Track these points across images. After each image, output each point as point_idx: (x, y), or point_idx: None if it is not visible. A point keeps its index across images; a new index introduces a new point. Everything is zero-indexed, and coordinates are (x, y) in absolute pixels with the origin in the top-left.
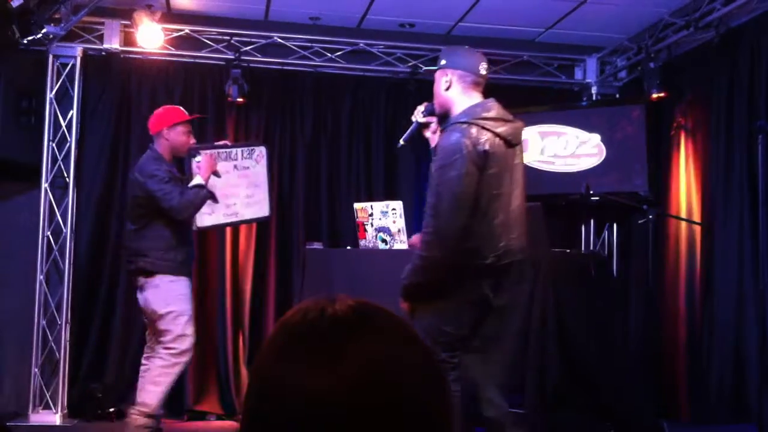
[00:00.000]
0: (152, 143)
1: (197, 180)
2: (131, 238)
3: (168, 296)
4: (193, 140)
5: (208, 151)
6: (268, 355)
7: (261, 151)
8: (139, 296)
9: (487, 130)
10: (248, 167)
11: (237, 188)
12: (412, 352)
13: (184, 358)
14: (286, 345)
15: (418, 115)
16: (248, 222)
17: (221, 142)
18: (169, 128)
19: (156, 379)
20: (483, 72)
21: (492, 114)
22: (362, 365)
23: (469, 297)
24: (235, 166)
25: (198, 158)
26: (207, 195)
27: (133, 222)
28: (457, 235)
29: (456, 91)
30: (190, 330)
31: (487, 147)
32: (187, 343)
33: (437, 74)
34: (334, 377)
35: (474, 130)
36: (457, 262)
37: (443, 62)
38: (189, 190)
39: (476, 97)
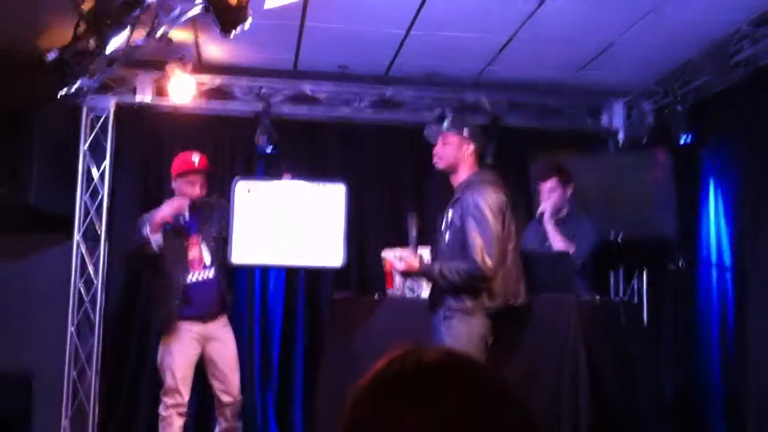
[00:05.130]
0: None
1: (144, 229)
2: None
3: (159, 351)
4: (197, 192)
5: (180, 199)
6: (363, 401)
7: (338, 190)
8: None
9: None
10: (316, 207)
11: (294, 228)
12: (504, 397)
13: (175, 410)
14: (382, 392)
15: None
16: (312, 269)
17: (285, 175)
18: (175, 179)
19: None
20: None
21: None
22: (458, 406)
23: None
24: (296, 204)
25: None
26: (138, 242)
27: None
28: None
29: None
30: (173, 383)
31: None
32: (175, 398)
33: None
34: (431, 416)
35: None
36: None
37: (466, 132)
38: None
39: None
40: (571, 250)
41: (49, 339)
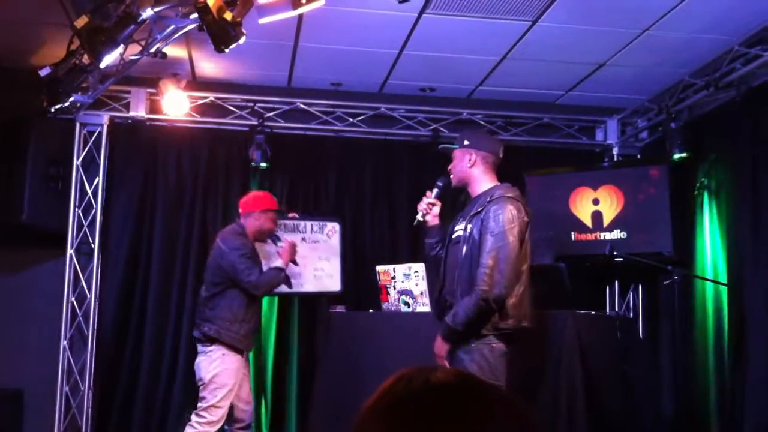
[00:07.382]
0: (239, 219)
1: (278, 263)
2: (203, 304)
3: (216, 367)
4: (276, 226)
5: (290, 239)
6: (371, 421)
7: (334, 227)
8: (196, 361)
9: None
10: (318, 241)
11: (304, 260)
12: (513, 418)
13: (212, 428)
14: (391, 411)
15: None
16: (315, 295)
17: (291, 215)
18: (263, 212)
19: None
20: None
21: None
22: (470, 428)
23: None
24: (303, 239)
25: (281, 243)
26: (283, 279)
27: (207, 288)
28: None
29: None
30: (224, 403)
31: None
32: (217, 414)
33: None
34: None
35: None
36: None
37: (466, 142)
38: (270, 270)
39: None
40: None
41: (42, 353)
